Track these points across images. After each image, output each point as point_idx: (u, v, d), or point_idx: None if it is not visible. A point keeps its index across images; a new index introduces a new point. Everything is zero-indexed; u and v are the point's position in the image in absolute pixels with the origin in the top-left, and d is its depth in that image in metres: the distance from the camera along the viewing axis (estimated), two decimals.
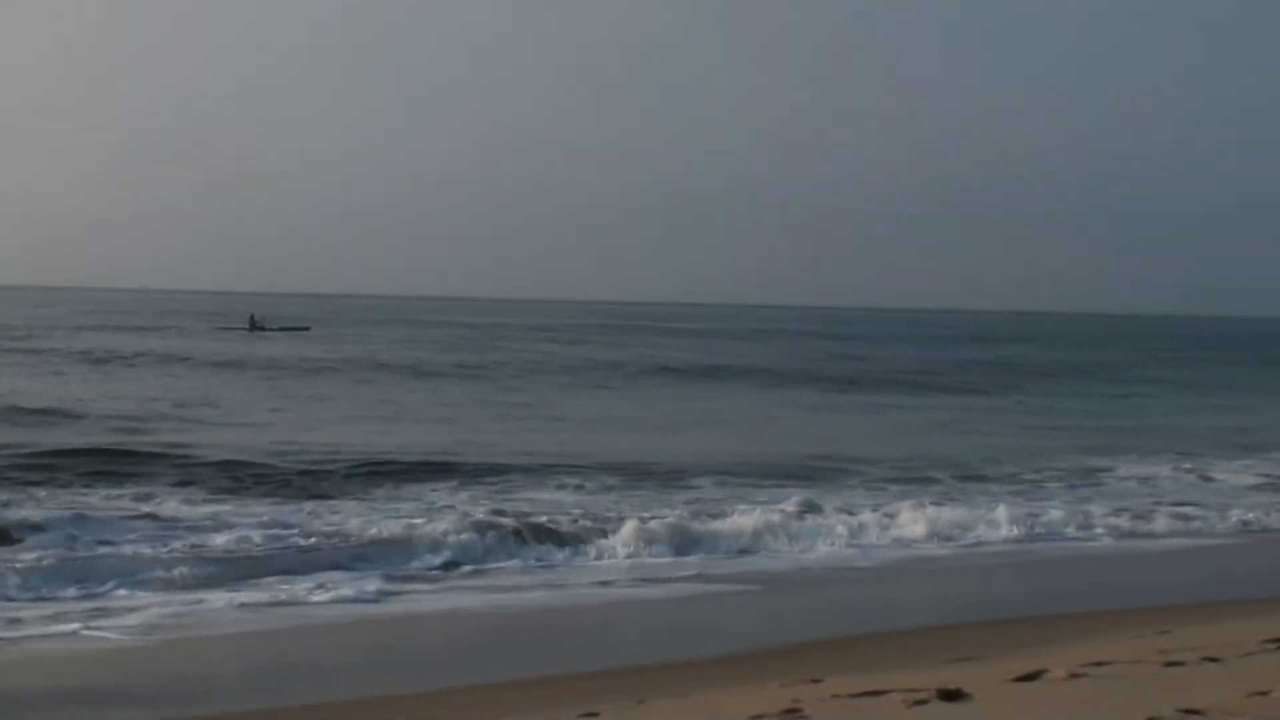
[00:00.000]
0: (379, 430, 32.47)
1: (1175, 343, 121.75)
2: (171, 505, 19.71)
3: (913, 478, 25.23)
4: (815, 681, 9.27)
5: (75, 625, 12.77)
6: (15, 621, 12.83)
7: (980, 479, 25.46)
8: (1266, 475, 26.10)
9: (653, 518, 19.18)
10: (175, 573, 15.14)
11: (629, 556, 17.50)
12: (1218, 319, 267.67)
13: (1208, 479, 25.87)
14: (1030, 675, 9.00)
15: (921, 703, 8.13)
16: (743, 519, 19.34)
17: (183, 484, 21.96)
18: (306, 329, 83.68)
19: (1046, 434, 36.13)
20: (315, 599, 14.54)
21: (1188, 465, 27.62)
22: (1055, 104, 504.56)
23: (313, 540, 17.37)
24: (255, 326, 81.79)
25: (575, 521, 18.96)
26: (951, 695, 8.25)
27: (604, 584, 15.96)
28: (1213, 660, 9.34)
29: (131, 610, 13.46)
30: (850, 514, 20.32)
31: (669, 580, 16.15)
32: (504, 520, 18.62)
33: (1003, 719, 7.19)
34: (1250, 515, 21.47)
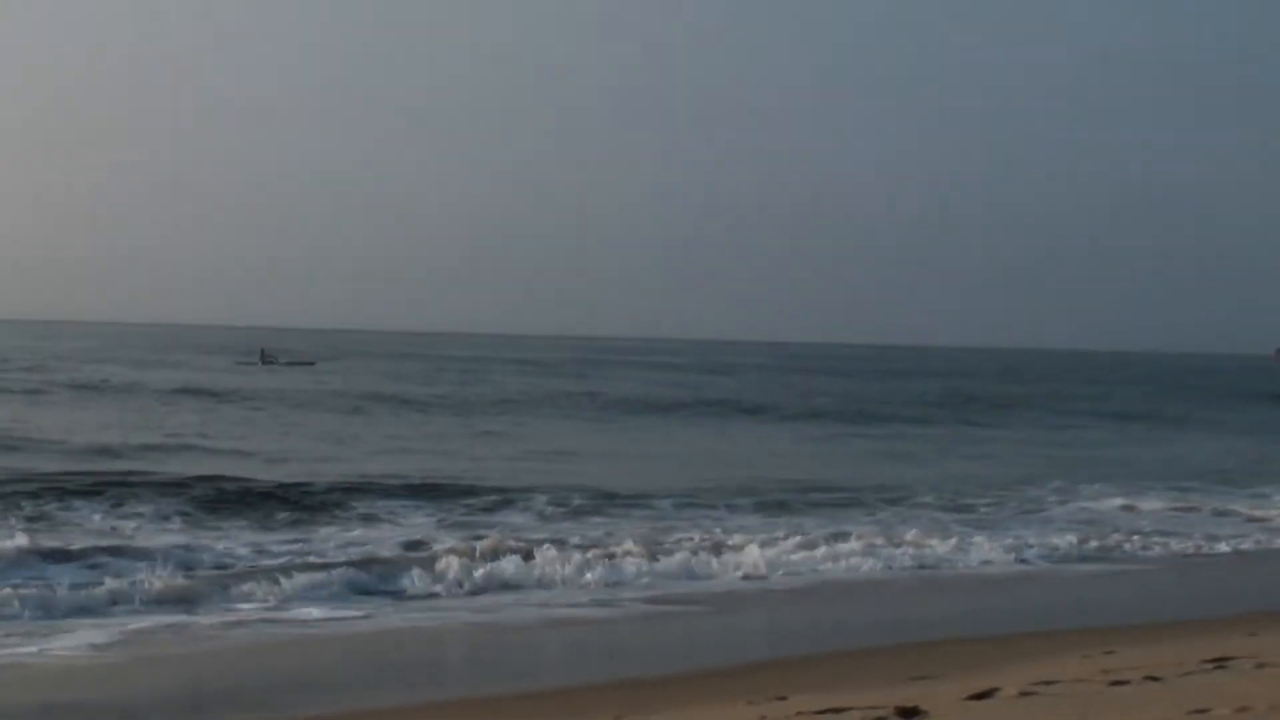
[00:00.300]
0: (358, 458, 32.44)
1: (1097, 375, 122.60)
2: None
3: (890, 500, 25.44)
4: (781, 699, 9.23)
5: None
6: None
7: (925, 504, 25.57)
8: (1188, 504, 26.14)
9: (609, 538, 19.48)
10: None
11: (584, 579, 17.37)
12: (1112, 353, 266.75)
13: (1130, 508, 25.85)
14: (983, 694, 9.01)
15: (880, 719, 8.12)
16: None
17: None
18: (311, 363, 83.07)
19: (991, 461, 36.35)
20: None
21: (1119, 494, 27.70)
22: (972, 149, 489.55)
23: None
24: (266, 360, 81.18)
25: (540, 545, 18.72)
26: (909, 713, 8.25)
27: (571, 604, 15.95)
28: (1154, 679, 9.34)
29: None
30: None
31: (628, 600, 16.10)
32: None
33: None
34: (1183, 543, 21.58)
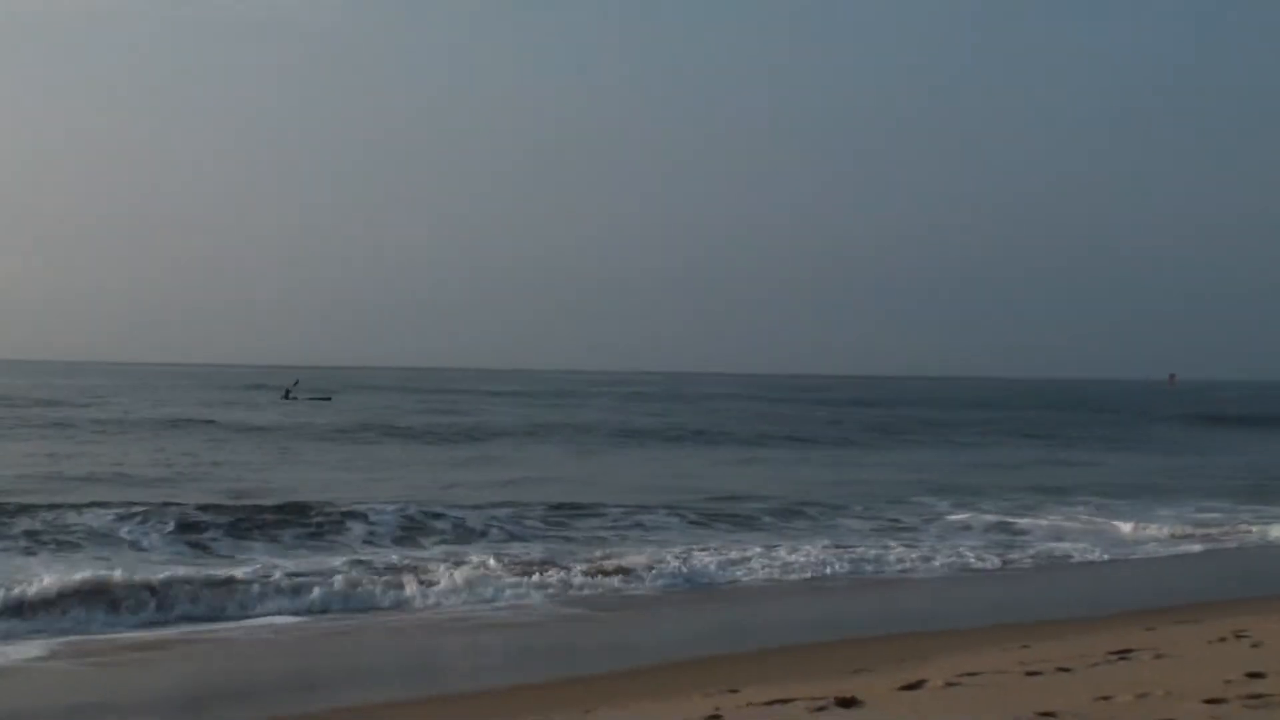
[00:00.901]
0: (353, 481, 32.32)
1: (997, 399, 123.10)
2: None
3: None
4: (733, 691, 9.20)
5: None
6: None
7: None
8: (1083, 519, 26.18)
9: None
10: None
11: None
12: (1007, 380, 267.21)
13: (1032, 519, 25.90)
14: (913, 684, 9.02)
15: (822, 709, 8.11)
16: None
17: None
18: (328, 398, 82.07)
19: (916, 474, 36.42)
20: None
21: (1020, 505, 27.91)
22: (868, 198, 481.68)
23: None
24: (288, 395, 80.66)
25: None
26: (847, 703, 8.24)
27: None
28: (1065, 670, 9.38)
29: None
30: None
31: (582, 601, 16.16)
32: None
33: None
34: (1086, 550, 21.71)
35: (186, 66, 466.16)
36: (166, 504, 22.67)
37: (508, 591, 16.45)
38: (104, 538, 20.04)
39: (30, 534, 19.83)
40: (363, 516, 22.24)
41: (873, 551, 20.25)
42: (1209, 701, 7.44)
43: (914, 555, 20.10)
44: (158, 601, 15.00)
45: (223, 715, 10.46)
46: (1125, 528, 24.03)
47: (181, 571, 16.47)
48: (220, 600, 15.31)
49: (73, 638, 13.32)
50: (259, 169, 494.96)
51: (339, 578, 16.32)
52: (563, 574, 17.42)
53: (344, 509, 22.81)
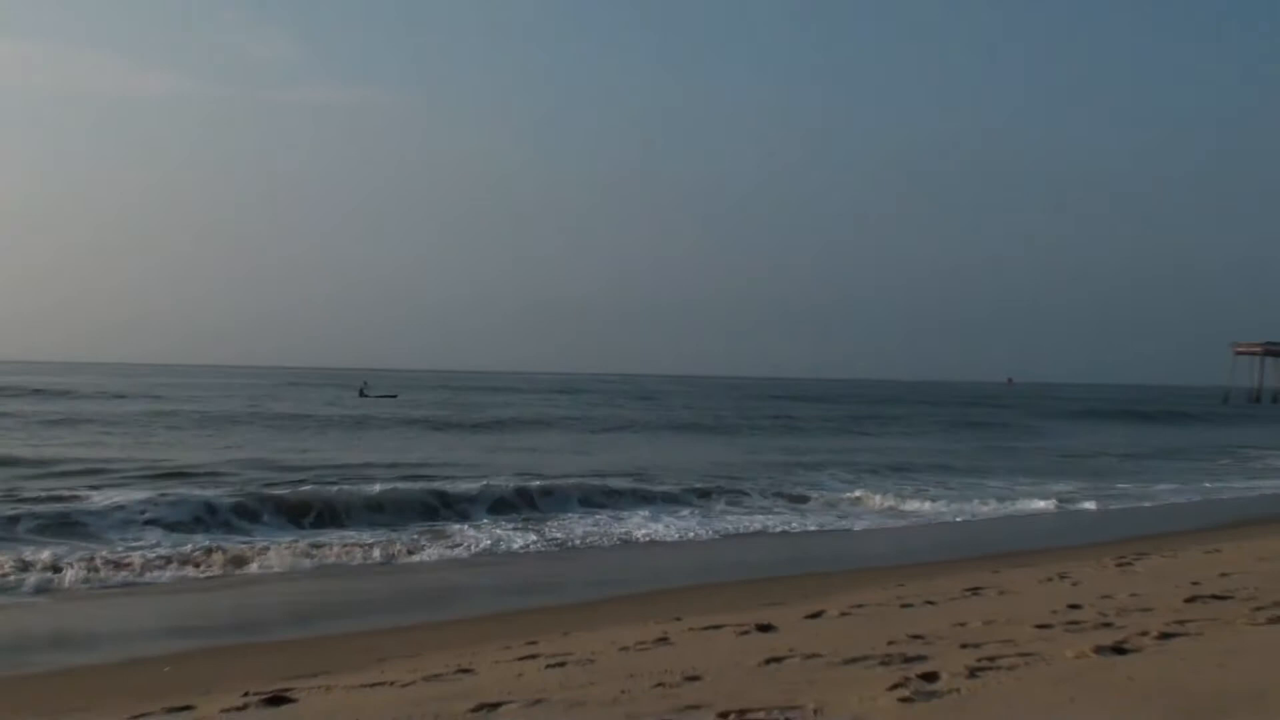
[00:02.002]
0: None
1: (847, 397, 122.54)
2: None
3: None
4: (677, 619, 9.33)
5: None
6: None
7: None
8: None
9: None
10: None
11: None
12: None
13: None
14: (816, 614, 9.14)
15: (746, 633, 8.19)
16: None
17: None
18: (394, 396, 79.86)
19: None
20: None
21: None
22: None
23: None
24: (363, 394, 78.82)
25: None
26: (765, 627, 8.34)
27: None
28: (931, 603, 9.53)
29: None
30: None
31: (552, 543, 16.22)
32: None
33: (799, 643, 7.29)
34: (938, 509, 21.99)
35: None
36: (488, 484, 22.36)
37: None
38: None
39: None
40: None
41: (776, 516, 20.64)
42: (1039, 626, 7.51)
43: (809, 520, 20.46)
44: None
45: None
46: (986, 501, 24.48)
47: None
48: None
49: None
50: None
51: None
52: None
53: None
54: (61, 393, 67.66)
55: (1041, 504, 23.64)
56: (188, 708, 6.38)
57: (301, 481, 22.30)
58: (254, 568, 14.25)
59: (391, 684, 6.76)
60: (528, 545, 16.67)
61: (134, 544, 15.34)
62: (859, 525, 20.19)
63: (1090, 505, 23.62)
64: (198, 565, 14.05)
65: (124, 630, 10.86)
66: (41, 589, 12.48)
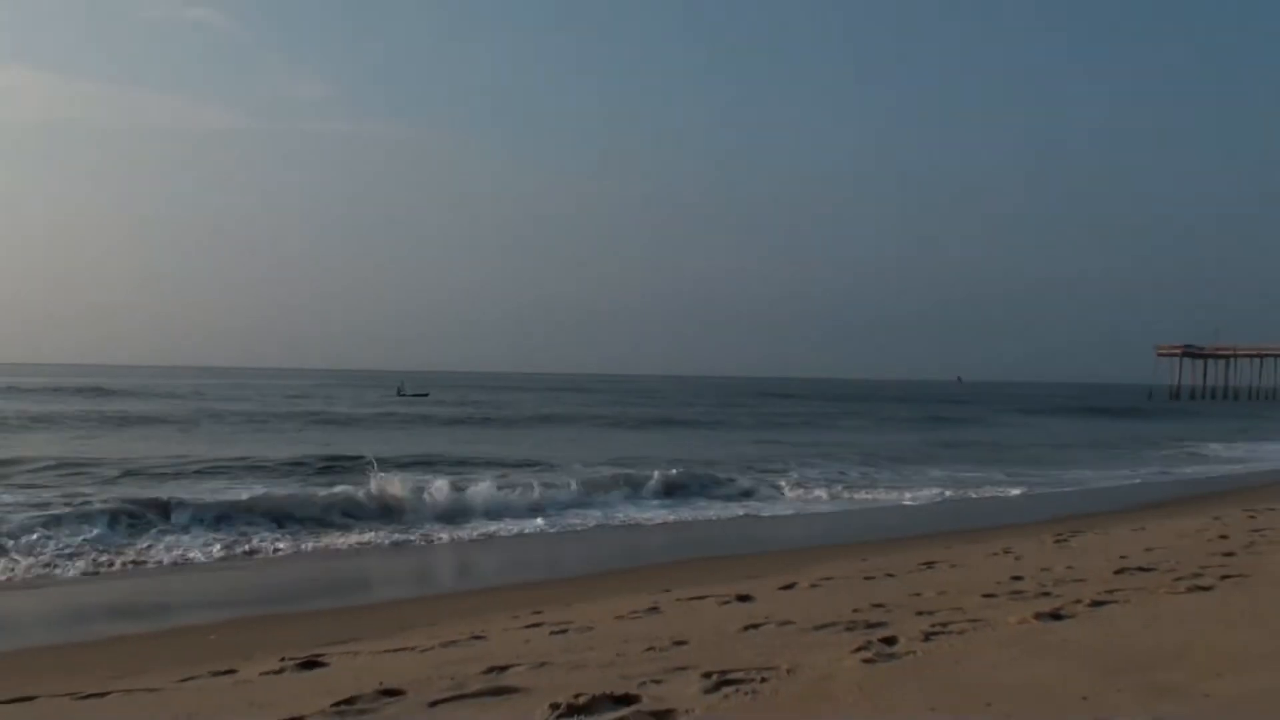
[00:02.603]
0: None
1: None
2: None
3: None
4: (666, 591, 9.34)
5: None
6: None
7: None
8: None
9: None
10: None
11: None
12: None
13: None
14: (789, 585, 9.16)
15: (727, 602, 8.21)
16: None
17: None
18: (426, 394, 78.86)
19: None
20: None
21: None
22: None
23: None
24: (400, 392, 78.55)
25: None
26: (744, 597, 8.38)
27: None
28: (890, 575, 9.56)
29: None
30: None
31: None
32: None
33: (774, 611, 7.30)
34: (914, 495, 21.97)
35: None
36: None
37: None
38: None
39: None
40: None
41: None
42: (985, 596, 7.57)
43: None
44: None
45: None
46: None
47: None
48: None
49: None
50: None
51: None
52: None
53: None
54: (128, 392, 67.46)
55: (992, 490, 23.64)
56: (230, 671, 6.35)
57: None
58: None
59: (413, 649, 6.75)
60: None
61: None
62: (824, 509, 20.18)
63: (1025, 490, 23.66)
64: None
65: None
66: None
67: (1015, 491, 23.49)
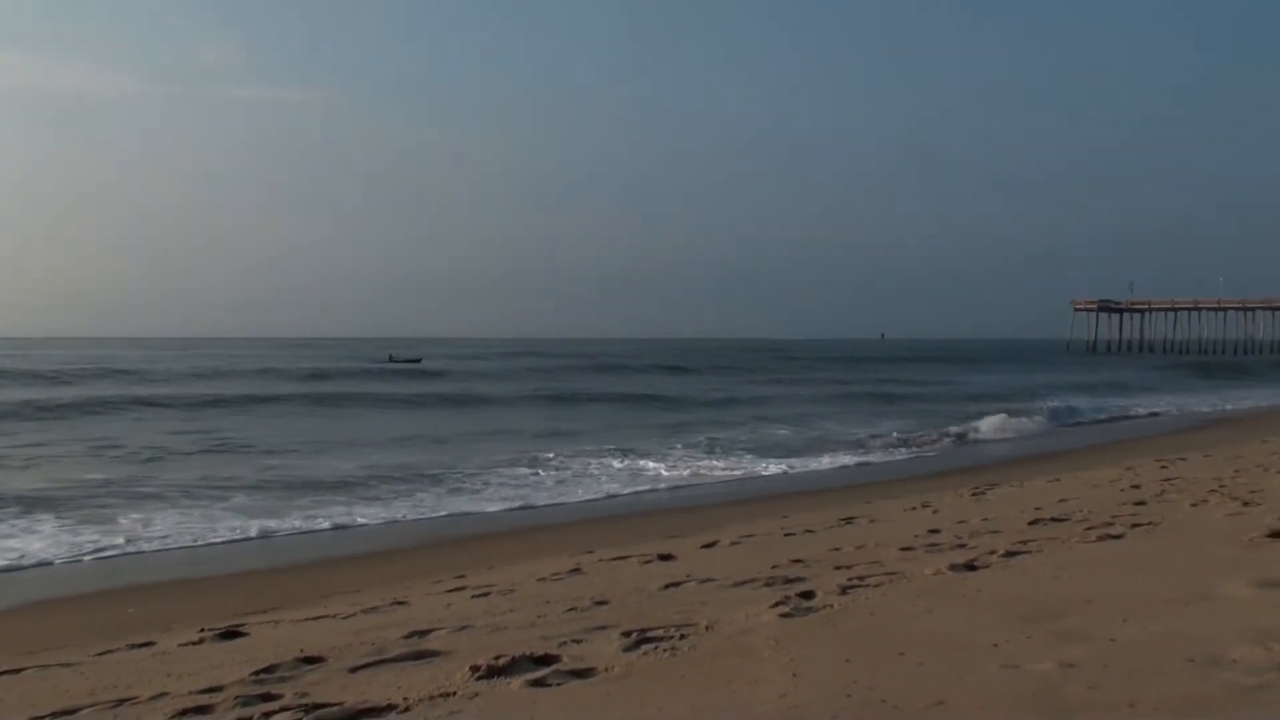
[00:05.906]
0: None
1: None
2: None
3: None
4: (588, 552, 9.39)
5: None
6: None
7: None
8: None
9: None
10: None
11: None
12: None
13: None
14: (710, 544, 9.24)
15: (648, 562, 8.28)
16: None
17: None
18: (418, 360, 76.96)
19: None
20: None
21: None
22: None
23: None
24: (392, 359, 77.02)
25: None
26: (665, 557, 8.45)
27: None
28: (810, 531, 9.68)
29: None
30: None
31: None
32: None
33: (696, 569, 7.39)
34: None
35: None
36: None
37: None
38: None
39: None
40: None
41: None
42: (903, 549, 7.66)
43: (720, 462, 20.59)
44: None
45: None
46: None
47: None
48: None
49: None
50: None
51: None
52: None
53: None
54: (134, 371, 62.78)
55: (905, 453, 23.95)
56: (149, 644, 6.30)
57: None
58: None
59: (334, 616, 6.73)
60: None
61: None
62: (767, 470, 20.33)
63: (946, 440, 24.10)
64: None
65: None
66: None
67: (940, 443, 23.94)
